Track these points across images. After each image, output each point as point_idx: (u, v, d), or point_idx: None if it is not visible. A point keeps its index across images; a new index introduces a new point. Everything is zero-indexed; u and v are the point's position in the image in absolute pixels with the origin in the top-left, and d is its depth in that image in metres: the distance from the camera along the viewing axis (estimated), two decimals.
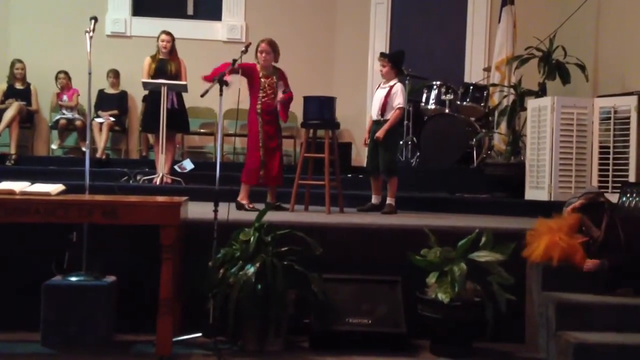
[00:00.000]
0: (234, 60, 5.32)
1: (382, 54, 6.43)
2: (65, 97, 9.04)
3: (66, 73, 9.02)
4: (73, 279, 4.28)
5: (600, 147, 6.39)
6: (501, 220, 5.59)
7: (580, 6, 7.76)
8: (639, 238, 4.33)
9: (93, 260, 4.37)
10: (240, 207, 5.82)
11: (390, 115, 6.04)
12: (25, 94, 8.84)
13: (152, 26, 8.89)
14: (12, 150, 8.35)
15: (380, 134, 5.99)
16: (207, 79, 5.54)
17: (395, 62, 6.18)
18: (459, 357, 4.16)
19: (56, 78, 9.06)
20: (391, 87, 6.10)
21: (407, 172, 7.64)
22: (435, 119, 8.17)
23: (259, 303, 4.04)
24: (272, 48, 5.94)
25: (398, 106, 6.05)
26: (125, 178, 7.39)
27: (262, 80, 5.92)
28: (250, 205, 5.84)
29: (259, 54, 5.93)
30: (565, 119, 6.46)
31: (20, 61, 8.90)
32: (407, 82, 8.25)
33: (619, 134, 6.27)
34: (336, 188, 6.07)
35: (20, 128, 8.59)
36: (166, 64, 7.48)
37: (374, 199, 6.23)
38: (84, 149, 8.79)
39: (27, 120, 8.85)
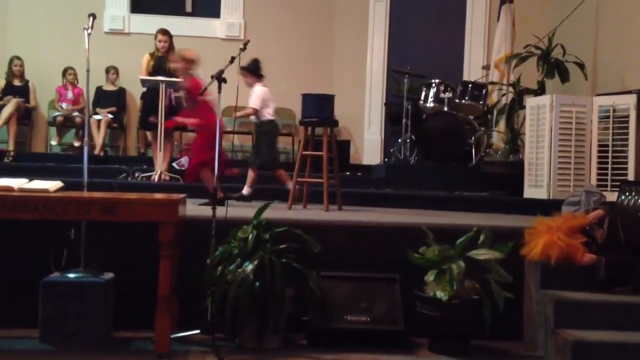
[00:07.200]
0: (232, 58, 5.30)
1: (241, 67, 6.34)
2: (70, 94, 9.04)
3: (74, 70, 9.01)
4: (71, 275, 4.27)
5: (599, 146, 6.39)
6: (500, 219, 5.59)
7: (580, 4, 7.74)
8: (638, 236, 4.34)
9: (91, 257, 4.37)
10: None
11: None
12: (23, 91, 8.84)
13: (150, 23, 8.89)
14: (10, 147, 8.35)
15: None
16: None
17: (252, 71, 6.25)
18: (457, 355, 4.16)
19: (64, 73, 9.05)
20: None
21: (405, 170, 7.64)
22: (434, 117, 8.17)
23: (257, 300, 4.03)
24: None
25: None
26: (124, 175, 7.38)
27: None
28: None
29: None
30: (564, 117, 6.46)
31: (18, 58, 8.89)
32: (405, 80, 8.27)
33: (617, 133, 6.27)
34: (335, 186, 6.07)
35: (19, 125, 8.59)
36: (164, 61, 7.47)
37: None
38: (76, 144, 8.81)
39: (25, 117, 8.86)
